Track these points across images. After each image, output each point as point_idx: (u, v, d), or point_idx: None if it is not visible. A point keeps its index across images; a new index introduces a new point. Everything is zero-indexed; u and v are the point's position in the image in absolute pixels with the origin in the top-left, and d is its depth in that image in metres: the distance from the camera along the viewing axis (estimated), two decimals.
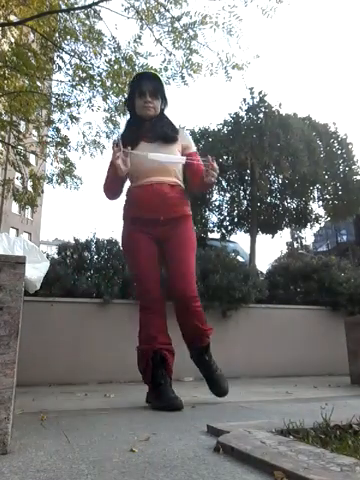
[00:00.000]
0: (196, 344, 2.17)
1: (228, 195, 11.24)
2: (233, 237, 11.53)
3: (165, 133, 2.21)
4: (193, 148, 2.31)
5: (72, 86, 6.66)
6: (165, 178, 2.14)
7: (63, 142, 7.37)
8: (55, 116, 7.32)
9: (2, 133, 7.65)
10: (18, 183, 9.10)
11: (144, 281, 2.15)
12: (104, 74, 6.35)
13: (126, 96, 2.43)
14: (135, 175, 2.20)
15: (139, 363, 2.11)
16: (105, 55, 6.31)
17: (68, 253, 3.94)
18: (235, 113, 10.18)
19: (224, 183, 11.00)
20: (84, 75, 6.40)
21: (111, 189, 2.28)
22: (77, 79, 6.51)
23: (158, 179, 2.13)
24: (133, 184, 2.22)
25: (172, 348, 2.13)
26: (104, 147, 7.38)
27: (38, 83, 6.95)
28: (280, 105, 9.94)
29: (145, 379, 2.10)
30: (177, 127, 2.34)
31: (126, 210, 2.26)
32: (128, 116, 2.45)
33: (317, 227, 13.73)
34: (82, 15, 6.17)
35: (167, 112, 2.36)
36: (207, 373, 2.20)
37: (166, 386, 2.01)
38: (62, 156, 7.54)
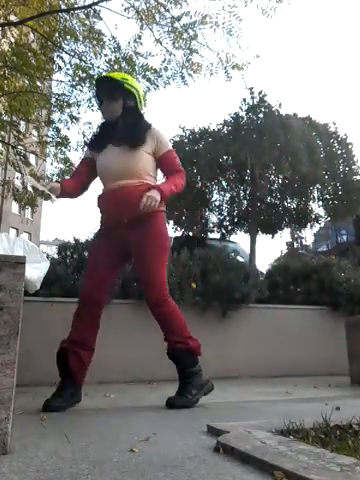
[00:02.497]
0: (167, 350, 2.16)
1: (228, 195, 11.24)
2: (233, 237, 11.54)
3: (128, 137, 2.15)
4: (165, 148, 2.23)
5: (72, 86, 6.65)
6: (128, 181, 2.10)
7: (63, 142, 7.36)
8: (55, 116, 7.31)
9: (2, 133, 7.64)
10: (18, 183, 9.09)
11: (88, 282, 2.18)
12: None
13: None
14: (102, 181, 2.24)
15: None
16: (105, 55, 6.30)
17: (68, 253, 3.94)
18: (235, 113, 10.17)
19: (224, 183, 11.00)
20: (84, 75, 6.39)
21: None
22: (77, 79, 6.50)
23: (120, 183, 2.11)
24: (101, 191, 2.25)
25: (79, 351, 2.12)
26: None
27: (38, 83, 6.94)
28: (280, 105, 9.94)
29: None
30: (147, 126, 2.23)
31: (100, 217, 2.29)
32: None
33: (317, 227, 13.73)
34: (82, 15, 6.16)
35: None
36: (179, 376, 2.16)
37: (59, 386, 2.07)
38: (62, 156, 7.53)
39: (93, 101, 6.70)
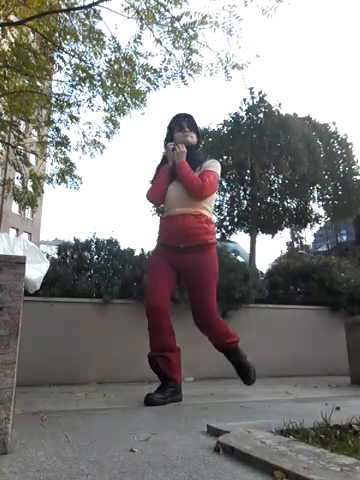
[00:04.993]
0: (223, 350, 2.47)
1: (228, 195, 11.25)
2: (233, 237, 11.55)
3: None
4: (208, 168, 2.45)
5: (72, 86, 6.65)
6: (189, 209, 2.35)
7: (63, 142, 7.37)
8: (55, 116, 7.32)
9: (2, 133, 7.64)
10: (18, 183, 9.09)
11: (152, 295, 2.33)
12: (104, 74, 6.34)
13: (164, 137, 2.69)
14: (165, 206, 2.49)
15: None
16: (105, 55, 6.30)
17: (68, 253, 3.94)
18: (235, 113, 10.19)
19: (224, 183, 11.00)
20: (84, 75, 6.39)
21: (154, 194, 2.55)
22: (77, 79, 6.50)
23: (182, 210, 2.35)
24: (164, 214, 2.50)
25: (167, 354, 2.28)
26: (104, 147, 7.38)
27: (38, 83, 6.94)
28: (280, 105, 9.96)
29: None
30: (203, 159, 2.60)
31: (158, 237, 2.53)
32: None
33: (317, 227, 13.74)
34: (82, 15, 6.16)
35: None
36: (236, 366, 2.48)
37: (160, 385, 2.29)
38: (62, 156, 7.53)
39: (93, 101, 6.71)
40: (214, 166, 2.48)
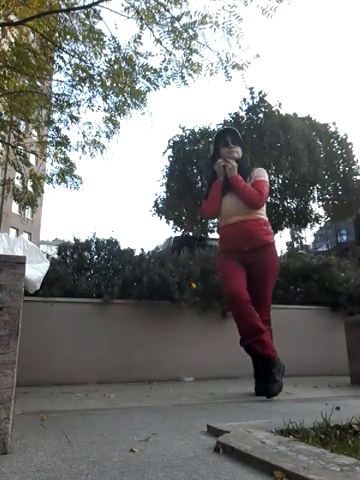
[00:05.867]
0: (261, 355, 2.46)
1: None
2: None
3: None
4: (258, 178, 2.63)
5: (72, 86, 6.66)
6: (247, 216, 2.56)
7: (63, 142, 7.37)
8: (55, 116, 7.32)
9: (2, 133, 7.64)
10: (18, 183, 9.09)
11: (229, 284, 2.47)
12: (104, 74, 6.34)
13: (210, 154, 2.89)
14: (222, 216, 2.68)
15: None
16: (105, 55, 6.31)
17: (68, 253, 3.94)
18: (235, 113, 10.19)
19: None
20: (84, 75, 6.39)
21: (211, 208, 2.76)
22: (77, 79, 6.50)
23: (240, 218, 2.56)
24: (222, 223, 2.71)
25: (259, 337, 2.36)
26: (104, 147, 7.38)
27: (38, 83, 6.95)
28: (280, 105, 9.96)
29: None
30: (250, 170, 2.73)
31: (220, 244, 2.77)
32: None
33: (317, 227, 13.74)
34: (82, 15, 6.16)
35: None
36: (265, 376, 2.43)
37: (259, 376, 2.43)
38: (62, 156, 7.53)
39: (93, 101, 6.72)
40: (263, 175, 2.66)
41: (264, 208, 2.70)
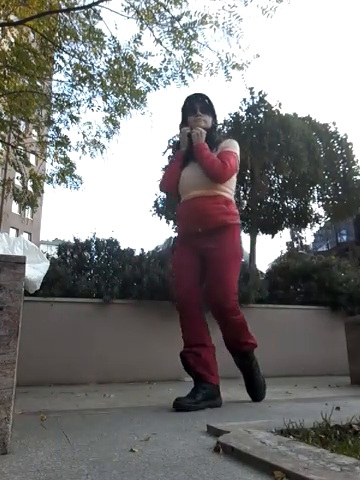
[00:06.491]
0: (235, 351, 2.25)
1: None
2: None
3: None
4: (226, 148, 2.30)
5: (72, 86, 6.66)
6: (205, 192, 2.20)
7: (63, 142, 7.36)
8: (55, 116, 7.32)
9: (2, 133, 7.64)
10: (18, 183, 9.09)
11: (178, 287, 2.24)
12: (104, 74, 6.34)
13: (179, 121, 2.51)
14: (180, 191, 2.34)
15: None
16: (105, 55, 6.30)
17: (68, 253, 3.94)
18: (235, 113, 10.19)
19: None
20: (84, 75, 6.39)
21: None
22: (77, 79, 6.50)
23: (196, 193, 2.22)
24: (183, 197, 2.33)
25: (198, 350, 2.11)
26: (104, 147, 7.37)
27: (38, 83, 6.94)
28: (280, 105, 9.96)
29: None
30: (221, 139, 2.42)
31: (177, 225, 2.39)
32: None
33: (317, 227, 13.74)
34: (82, 15, 6.16)
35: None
36: (246, 376, 2.29)
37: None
38: (62, 156, 7.53)
39: (93, 101, 6.71)
40: (232, 146, 2.33)
41: (232, 186, 2.34)
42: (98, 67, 6.35)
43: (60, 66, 6.47)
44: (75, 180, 7.74)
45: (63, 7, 6.39)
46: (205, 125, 2.32)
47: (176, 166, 2.37)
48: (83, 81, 6.46)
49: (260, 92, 9.96)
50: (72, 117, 7.03)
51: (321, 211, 11.68)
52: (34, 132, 8.39)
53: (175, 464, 1.03)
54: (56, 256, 3.99)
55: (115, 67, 6.22)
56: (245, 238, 10.91)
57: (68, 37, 6.25)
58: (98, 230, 5.15)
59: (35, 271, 1.57)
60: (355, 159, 10.97)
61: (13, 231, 26.19)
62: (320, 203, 11.47)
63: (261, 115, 9.81)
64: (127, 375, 3.39)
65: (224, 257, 2.15)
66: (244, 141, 9.34)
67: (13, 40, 6.62)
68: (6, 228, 22.27)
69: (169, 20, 5.87)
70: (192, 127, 2.32)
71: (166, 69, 6.21)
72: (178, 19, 5.82)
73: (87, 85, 6.49)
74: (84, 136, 7.28)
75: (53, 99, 7.11)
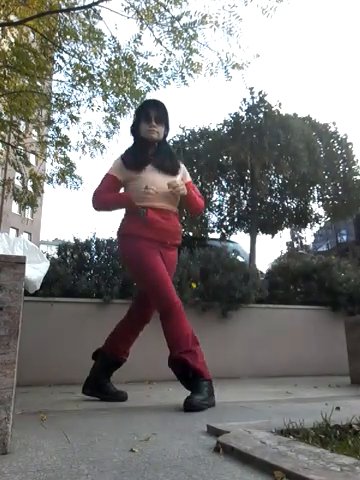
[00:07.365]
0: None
1: (228, 195, 11.23)
2: (233, 237, 11.53)
3: (170, 166, 2.36)
4: (189, 178, 2.47)
5: (72, 86, 6.65)
6: (172, 207, 2.31)
7: (63, 142, 7.36)
8: (55, 116, 7.31)
9: (2, 133, 7.63)
10: (18, 183, 9.09)
11: (164, 288, 2.14)
12: (104, 74, 6.34)
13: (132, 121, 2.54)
14: (139, 193, 2.20)
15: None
16: (105, 55, 6.30)
17: (68, 253, 3.94)
18: (235, 113, 10.18)
19: (224, 183, 11.00)
20: (84, 75, 6.38)
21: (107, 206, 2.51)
22: (77, 79, 6.49)
23: (167, 207, 2.27)
24: (145, 203, 2.21)
25: (193, 347, 2.07)
26: (104, 147, 7.37)
27: (38, 83, 6.94)
28: (280, 105, 9.94)
29: None
30: (181, 165, 2.46)
31: (137, 228, 2.23)
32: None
33: (317, 227, 13.74)
34: (82, 15, 6.16)
35: (171, 115, 2.41)
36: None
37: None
38: (62, 156, 7.52)
39: (93, 101, 6.71)
40: (188, 174, 2.49)
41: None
42: (98, 67, 6.35)
43: (60, 66, 6.46)
44: (75, 180, 7.74)
45: (63, 7, 6.39)
46: (157, 137, 2.34)
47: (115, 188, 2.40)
48: (83, 81, 6.45)
49: (260, 92, 9.95)
50: (72, 117, 7.03)
51: (321, 211, 11.67)
52: (34, 132, 8.39)
53: (175, 464, 1.03)
54: (56, 256, 3.99)
55: (115, 67, 6.21)
56: (245, 238, 10.90)
57: (68, 37, 6.25)
58: (98, 230, 5.15)
59: (35, 271, 1.57)
60: (355, 159, 10.95)
61: (13, 231, 26.20)
62: (320, 203, 11.46)
63: (261, 115, 9.80)
64: (127, 375, 3.38)
65: (172, 271, 2.34)
66: (244, 141, 9.34)
67: (13, 40, 6.62)
68: (6, 228, 22.28)
69: (169, 20, 5.86)
70: (145, 136, 2.33)
71: (166, 69, 6.21)
72: (178, 19, 5.81)
73: (87, 85, 6.49)
74: (84, 136, 7.28)
75: (53, 99, 7.10)
